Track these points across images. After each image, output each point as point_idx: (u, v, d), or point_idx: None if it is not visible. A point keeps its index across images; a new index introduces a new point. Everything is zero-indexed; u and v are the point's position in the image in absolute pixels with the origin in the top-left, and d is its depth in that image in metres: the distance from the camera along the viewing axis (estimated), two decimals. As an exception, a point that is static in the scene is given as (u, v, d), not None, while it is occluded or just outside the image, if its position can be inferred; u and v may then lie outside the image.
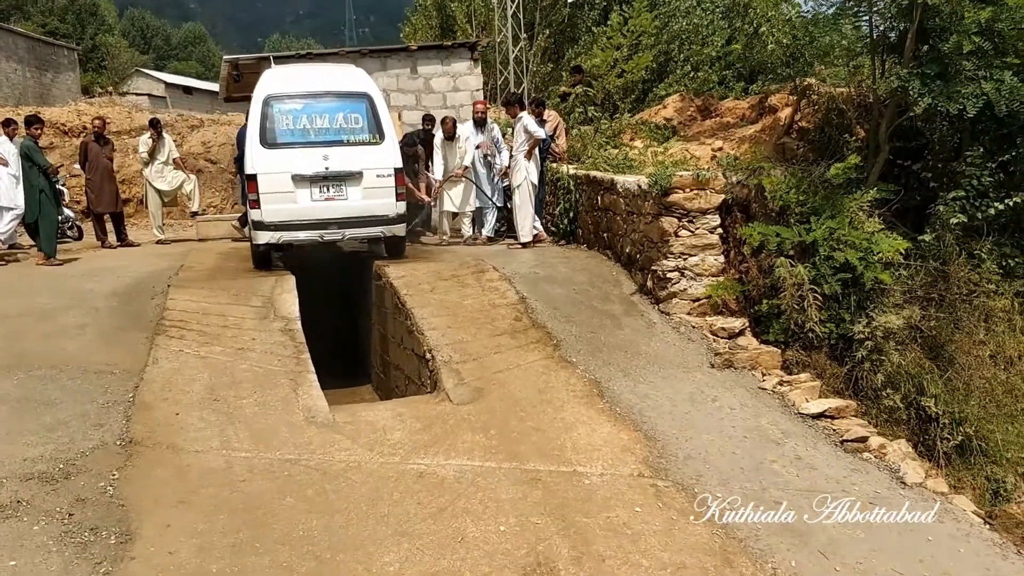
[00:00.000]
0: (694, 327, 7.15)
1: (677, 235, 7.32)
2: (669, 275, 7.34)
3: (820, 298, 6.95)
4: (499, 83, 15.16)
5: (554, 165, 10.40)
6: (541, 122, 11.48)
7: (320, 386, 5.93)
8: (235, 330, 6.57)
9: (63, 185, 14.30)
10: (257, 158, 8.06)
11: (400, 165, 8.49)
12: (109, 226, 12.41)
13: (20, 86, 33.24)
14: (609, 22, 15.37)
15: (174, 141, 13.43)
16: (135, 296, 7.36)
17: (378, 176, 8.32)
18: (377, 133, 8.38)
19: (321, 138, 8.23)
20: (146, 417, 5.15)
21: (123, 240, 12.16)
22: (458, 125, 10.69)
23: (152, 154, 12.35)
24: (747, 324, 7.10)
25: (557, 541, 4.19)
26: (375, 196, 8.34)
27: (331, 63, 10.57)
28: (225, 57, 13.39)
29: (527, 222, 9.77)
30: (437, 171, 10.46)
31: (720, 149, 9.54)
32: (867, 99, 8.32)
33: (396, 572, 3.87)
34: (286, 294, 7.31)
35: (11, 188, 10.97)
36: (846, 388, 7.10)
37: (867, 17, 7.75)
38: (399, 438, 5.22)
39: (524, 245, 9.72)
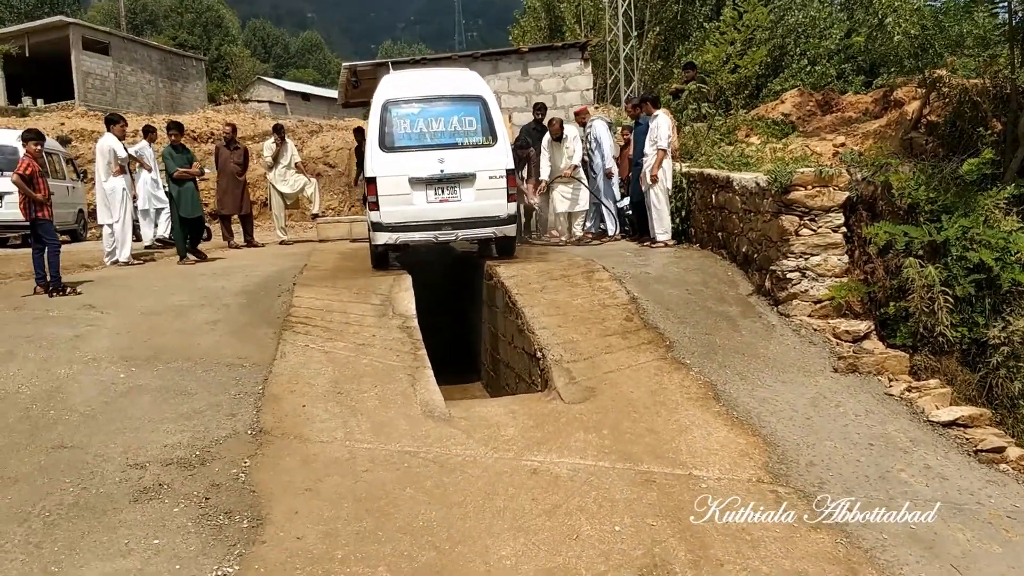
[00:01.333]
0: (816, 330, 6.91)
1: (798, 234, 7.10)
2: (789, 275, 7.13)
3: (951, 300, 6.61)
4: (609, 81, 15.08)
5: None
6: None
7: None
8: (356, 327, 6.81)
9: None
10: (376, 161, 8.31)
11: (512, 167, 8.59)
12: (237, 227, 13.08)
13: (153, 95, 35.51)
14: (722, 17, 15.04)
15: (295, 146, 13.99)
16: (262, 294, 7.73)
17: (491, 178, 8.44)
18: (490, 135, 8.51)
19: (437, 141, 8.42)
20: (275, 408, 5.40)
21: (249, 241, 12.78)
22: (565, 125, 10.73)
23: (276, 158, 12.94)
24: (872, 327, 6.81)
25: (673, 544, 4.15)
26: (487, 197, 8.46)
27: (446, 67, 10.77)
28: (344, 64, 13.84)
29: (660, 222, 9.72)
30: (544, 172, 10.55)
31: (843, 145, 9.18)
32: (1004, 90, 7.82)
33: (512, 566, 3.92)
34: (403, 292, 7.52)
35: (154, 190, 11.71)
36: (979, 396, 6.71)
37: (1004, 3, 7.29)
38: (512, 434, 5.28)
39: (655, 244, 9.70)
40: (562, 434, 5.30)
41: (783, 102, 11.95)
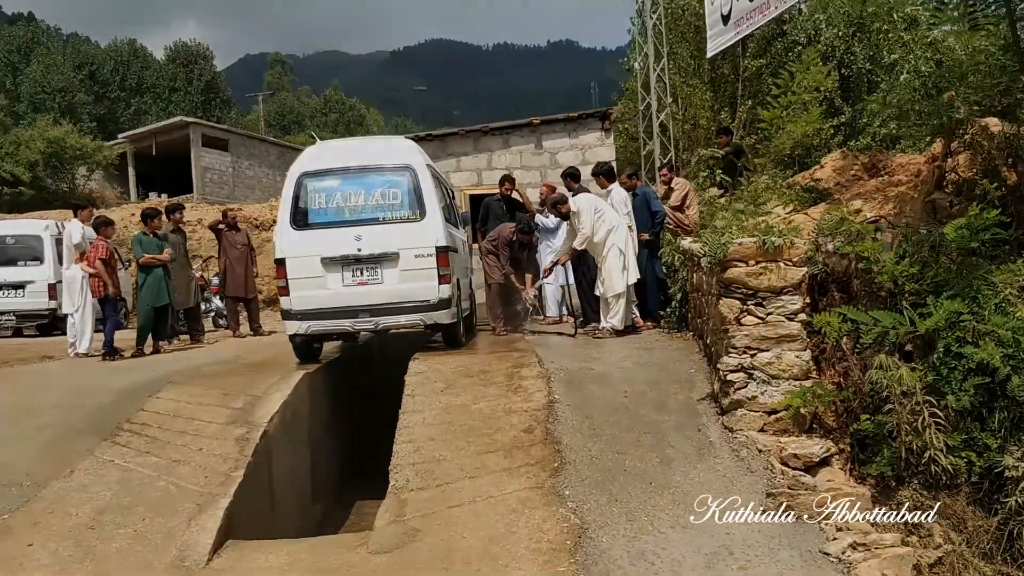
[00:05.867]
0: (761, 450, 5.20)
1: (740, 322, 5.48)
2: (731, 376, 5.47)
3: (943, 414, 4.76)
4: (644, 153, 13.67)
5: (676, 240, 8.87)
6: (669, 190, 10.09)
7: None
8: (190, 437, 5.73)
9: (215, 275, 14.86)
10: (285, 241, 7.38)
11: (443, 244, 7.40)
12: (245, 315, 12.48)
13: (270, 187, 37.24)
14: (778, 80, 13.50)
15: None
16: (137, 393, 6.80)
17: (416, 257, 7.32)
18: (418, 209, 7.40)
19: (355, 216, 7.41)
20: (-6, 547, 4.35)
21: (256, 329, 12.14)
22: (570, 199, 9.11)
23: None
24: (830, 450, 5.02)
25: None
26: (413, 279, 7.33)
27: (378, 136, 9.82)
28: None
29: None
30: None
31: (858, 211, 7.40)
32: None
33: None
34: (277, 393, 6.41)
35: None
36: (997, 548, 4.77)
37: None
38: (257, 599, 3.97)
39: (641, 328, 8.62)
40: (327, 599, 3.93)
41: (823, 166, 10.17)
